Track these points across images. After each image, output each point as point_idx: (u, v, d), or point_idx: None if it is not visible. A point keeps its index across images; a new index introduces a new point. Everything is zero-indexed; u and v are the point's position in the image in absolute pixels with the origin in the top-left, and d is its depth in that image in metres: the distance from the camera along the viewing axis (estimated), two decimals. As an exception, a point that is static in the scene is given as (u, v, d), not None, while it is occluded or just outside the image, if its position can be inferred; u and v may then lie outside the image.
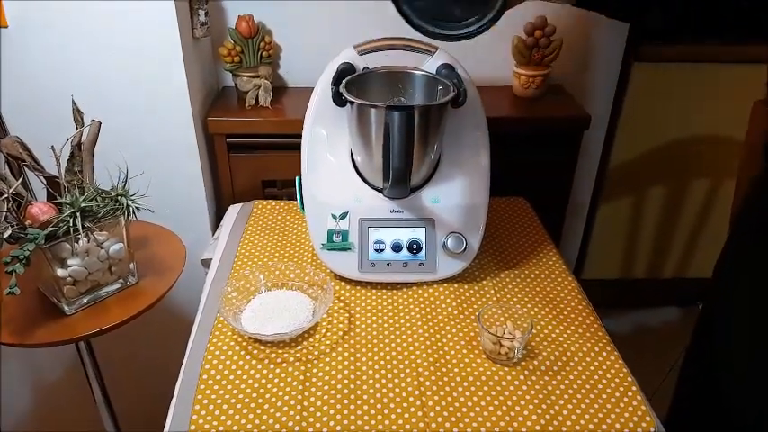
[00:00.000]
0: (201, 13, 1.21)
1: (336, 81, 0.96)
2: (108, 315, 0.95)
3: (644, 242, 1.90)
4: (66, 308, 0.94)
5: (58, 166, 0.92)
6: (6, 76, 1.13)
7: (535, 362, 0.87)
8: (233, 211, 1.26)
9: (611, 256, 1.92)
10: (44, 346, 0.92)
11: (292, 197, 1.29)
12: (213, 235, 1.30)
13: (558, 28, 1.33)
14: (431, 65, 1.02)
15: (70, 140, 0.95)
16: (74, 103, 0.96)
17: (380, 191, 1.01)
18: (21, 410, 1.56)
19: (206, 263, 1.18)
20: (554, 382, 0.84)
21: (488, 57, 1.40)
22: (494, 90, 1.42)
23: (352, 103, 0.93)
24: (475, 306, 0.98)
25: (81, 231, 0.88)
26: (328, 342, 0.90)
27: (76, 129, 0.95)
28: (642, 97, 1.58)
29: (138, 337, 1.38)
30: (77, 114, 0.96)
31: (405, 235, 1.01)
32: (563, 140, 1.36)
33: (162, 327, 1.38)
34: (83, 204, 0.89)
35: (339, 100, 0.95)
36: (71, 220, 0.88)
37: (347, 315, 0.96)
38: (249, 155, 1.30)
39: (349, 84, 0.96)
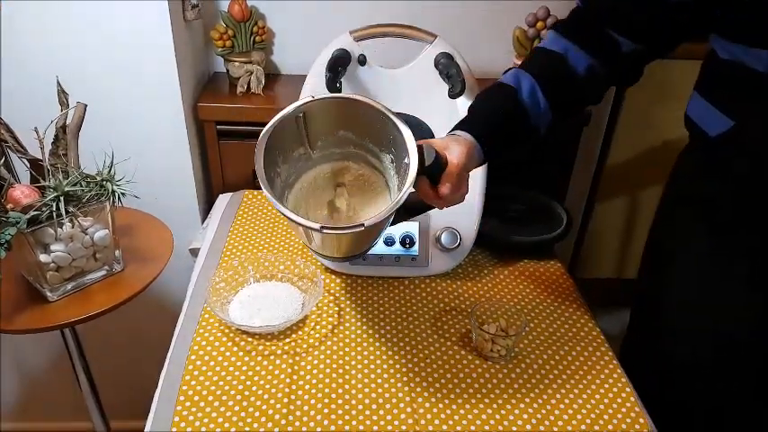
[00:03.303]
0: (194, -5, 1.18)
1: (331, 68, 0.93)
2: (92, 302, 0.92)
3: (640, 241, 1.88)
4: (49, 294, 0.91)
5: (42, 149, 0.90)
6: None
7: (528, 360, 0.86)
8: (223, 200, 1.24)
9: (606, 255, 1.91)
10: (26, 333, 0.90)
11: (284, 187, 1.26)
12: (202, 224, 1.27)
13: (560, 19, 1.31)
14: (429, 53, 0.99)
15: (55, 122, 0.92)
16: (59, 83, 0.93)
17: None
18: (6, 398, 1.54)
19: (194, 252, 1.15)
20: (547, 381, 0.82)
21: (489, 48, 1.37)
22: (493, 82, 1.40)
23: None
24: (468, 303, 0.97)
25: (64, 216, 0.86)
26: (317, 336, 0.88)
27: (61, 110, 0.93)
28: (641, 94, 1.56)
29: (124, 326, 1.36)
30: (62, 96, 0.93)
31: (398, 228, 0.99)
32: (562, 136, 1.34)
33: (149, 316, 1.36)
34: (67, 188, 0.87)
35: (333, 87, 0.92)
36: (54, 205, 0.85)
37: (337, 309, 0.94)
38: (240, 143, 1.27)
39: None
